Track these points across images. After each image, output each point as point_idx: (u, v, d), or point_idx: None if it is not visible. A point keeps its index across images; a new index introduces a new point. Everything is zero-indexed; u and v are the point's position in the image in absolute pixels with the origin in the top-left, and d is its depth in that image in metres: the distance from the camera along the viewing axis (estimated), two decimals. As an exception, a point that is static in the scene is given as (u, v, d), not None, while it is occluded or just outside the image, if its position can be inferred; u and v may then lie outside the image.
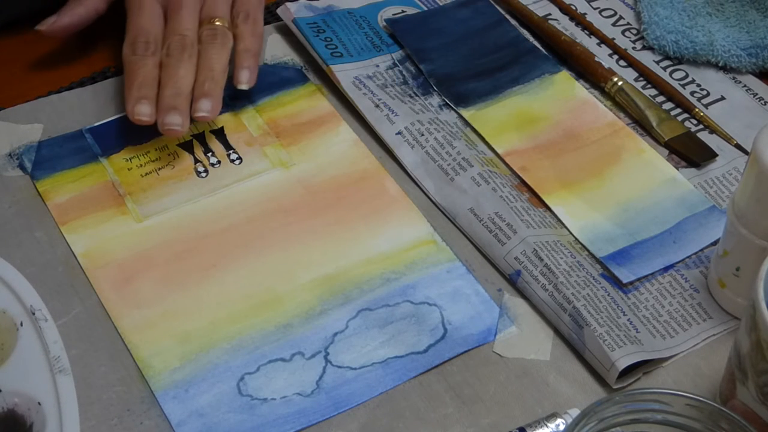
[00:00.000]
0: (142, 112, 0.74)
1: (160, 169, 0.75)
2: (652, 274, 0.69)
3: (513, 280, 0.69)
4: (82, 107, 0.79)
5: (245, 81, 0.77)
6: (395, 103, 0.78)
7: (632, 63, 0.82)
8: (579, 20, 0.86)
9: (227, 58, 0.77)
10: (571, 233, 0.71)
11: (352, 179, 0.75)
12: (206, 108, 0.74)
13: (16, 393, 0.61)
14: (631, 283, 0.68)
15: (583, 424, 0.52)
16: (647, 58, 0.83)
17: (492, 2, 0.87)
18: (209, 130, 0.78)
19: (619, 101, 0.79)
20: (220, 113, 0.78)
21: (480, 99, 0.79)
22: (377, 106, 0.78)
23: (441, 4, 0.87)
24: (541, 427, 0.60)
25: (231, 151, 0.76)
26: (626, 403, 0.54)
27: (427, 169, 0.75)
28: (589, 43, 0.84)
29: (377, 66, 0.82)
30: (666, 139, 0.77)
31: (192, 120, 0.75)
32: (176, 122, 0.73)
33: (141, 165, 0.75)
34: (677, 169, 0.75)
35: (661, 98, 0.80)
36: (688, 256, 0.70)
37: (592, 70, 0.81)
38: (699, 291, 0.68)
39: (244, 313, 0.67)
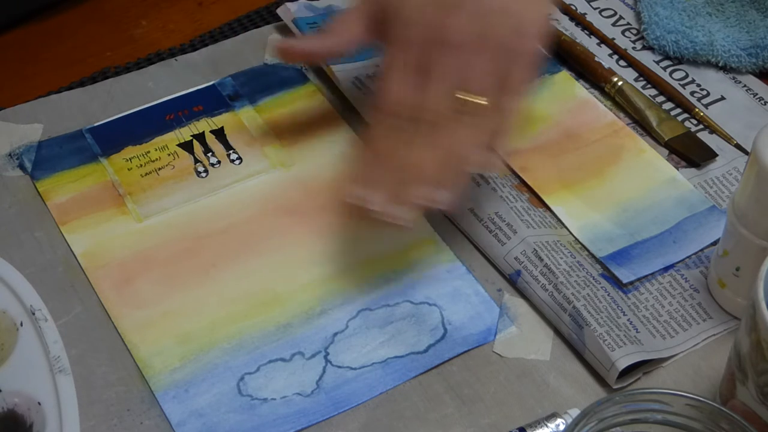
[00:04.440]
0: (375, 206, 0.64)
1: (160, 169, 0.75)
2: (652, 274, 0.69)
3: (513, 280, 0.69)
4: (82, 107, 0.79)
5: (445, 203, 0.65)
6: (395, 103, 0.78)
7: (632, 63, 0.82)
8: (579, 20, 0.86)
9: (476, 139, 0.66)
10: (571, 233, 0.71)
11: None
12: (444, 199, 0.65)
13: (16, 393, 0.62)
14: (631, 283, 0.68)
15: (583, 424, 0.52)
16: (647, 58, 0.83)
17: (492, 2, 0.87)
18: (209, 130, 0.78)
19: (619, 101, 0.79)
20: (220, 113, 0.79)
21: (480, 99, 0.79)
22: (377, 106, 0.78)
23: (441, 4, 0.87)
24: (541, 427, 0.60)
25: (231, 151, 0.76)
26: (626, 403, 0.54)
27: (427, 169, 0.74)
28: (589, 43, 0.84)
29: (377, 66, 0.81)
30: (666, 139, 0.77)
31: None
32: (404, 217, 0.64)
33: (141, 165, 0.75)
34: (677, 169, 0.75)
35: (661, 98, 0.80)
36: (688, 256, 0.70)
37: (592, 70, 0.81)
38: (699, 291, 0.68)
39: (244, 313, 0.67)
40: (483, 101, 0.66)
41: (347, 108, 0.80)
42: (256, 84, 0.80)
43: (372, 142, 0.67)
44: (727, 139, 0.77)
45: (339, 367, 0.65)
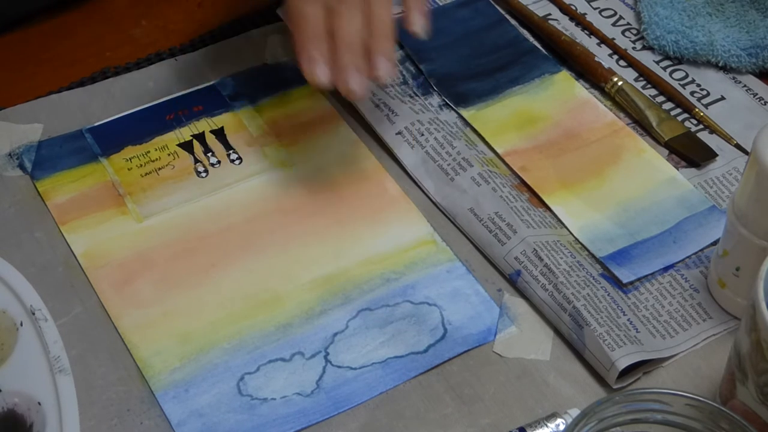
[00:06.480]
0: (321, 78, 0.68)
1: (160, 169, 0.75)
2: (652, 274, 0.69)
3: (513, 280, 0.69)
4: (82, 107, 0.79)
5: (421, 25, 0.71)
6: (395, 103, 0.78)
7: (632, 63, 0.82)
8: (579, 20, 0.86)
9: (389, 4, 0.70)
10: (571, 233, 0.71)
11: (352, 179, 0.75)
12: (386, 68, 0.69)
13: (16, 393, 0.62)
14: (631, 283, 0.68)
15: (583, 424, 0.52)
16: (647, 58, 0.83)
17: (492, 2, 0.87)
18: (209, 130, 0.78)
19: (619, 101, 0.79)
20: (220, 113, 0.79)
21: (480, 99, 0.79)
22: (377, 106, 0.78)
23: (441, 4, 0.87)
24: (541, 427, 0.60)
25: (231, 151, 0.76)
26: (626, 403, 0.54)
27: (427, 169, 0.75)
28: (589, 43, 0.84)
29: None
30: (666, 139, 0.77)
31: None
32: (358, 86, 0.68)
33: (141, 165, 0.75)
34: (677, 169, 0.75)
35: (661, 98, 0.80)
36: (688, 256, 0.70)
37: (592, 70, 0.81)
38: (699, 291, 0.68)
39: (244, 313, 0.67)
40: None
41: (347, 108, 0.80)
42: (256, 84, 0.80)
43: (301, 18, 0.69)
44: (727, 139, 0.77)
45: (339, 367, 0.65)
